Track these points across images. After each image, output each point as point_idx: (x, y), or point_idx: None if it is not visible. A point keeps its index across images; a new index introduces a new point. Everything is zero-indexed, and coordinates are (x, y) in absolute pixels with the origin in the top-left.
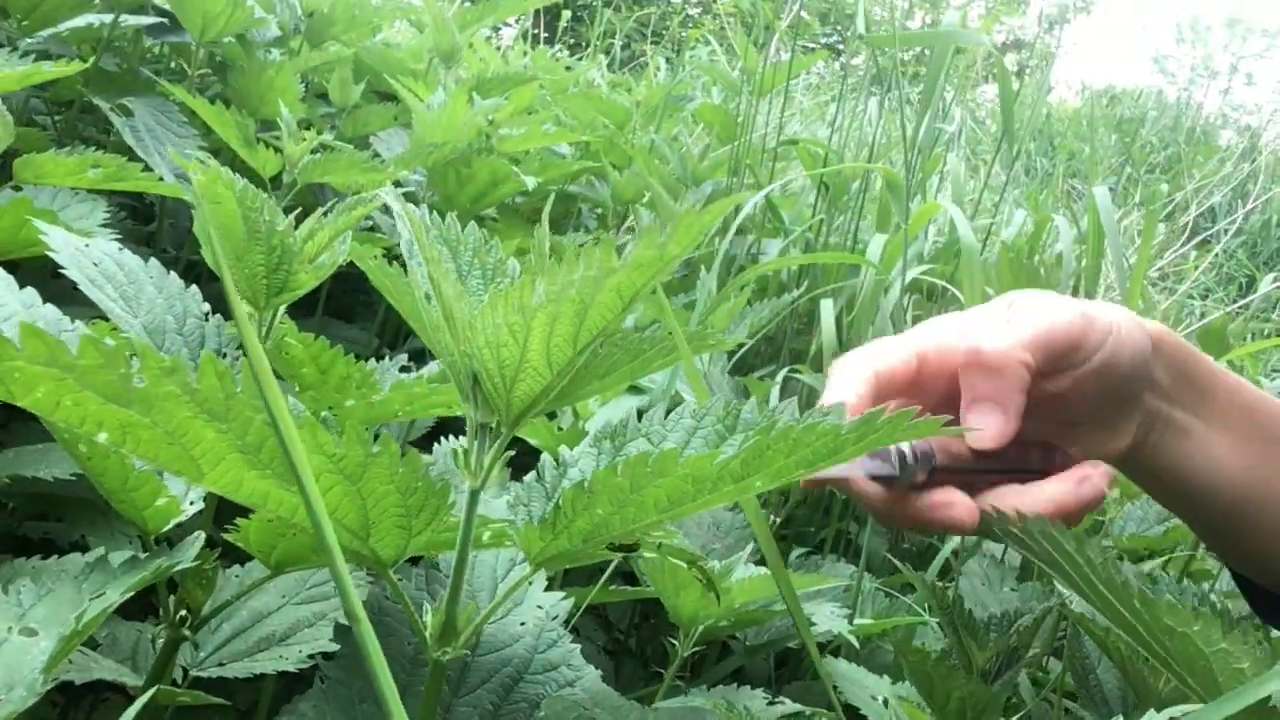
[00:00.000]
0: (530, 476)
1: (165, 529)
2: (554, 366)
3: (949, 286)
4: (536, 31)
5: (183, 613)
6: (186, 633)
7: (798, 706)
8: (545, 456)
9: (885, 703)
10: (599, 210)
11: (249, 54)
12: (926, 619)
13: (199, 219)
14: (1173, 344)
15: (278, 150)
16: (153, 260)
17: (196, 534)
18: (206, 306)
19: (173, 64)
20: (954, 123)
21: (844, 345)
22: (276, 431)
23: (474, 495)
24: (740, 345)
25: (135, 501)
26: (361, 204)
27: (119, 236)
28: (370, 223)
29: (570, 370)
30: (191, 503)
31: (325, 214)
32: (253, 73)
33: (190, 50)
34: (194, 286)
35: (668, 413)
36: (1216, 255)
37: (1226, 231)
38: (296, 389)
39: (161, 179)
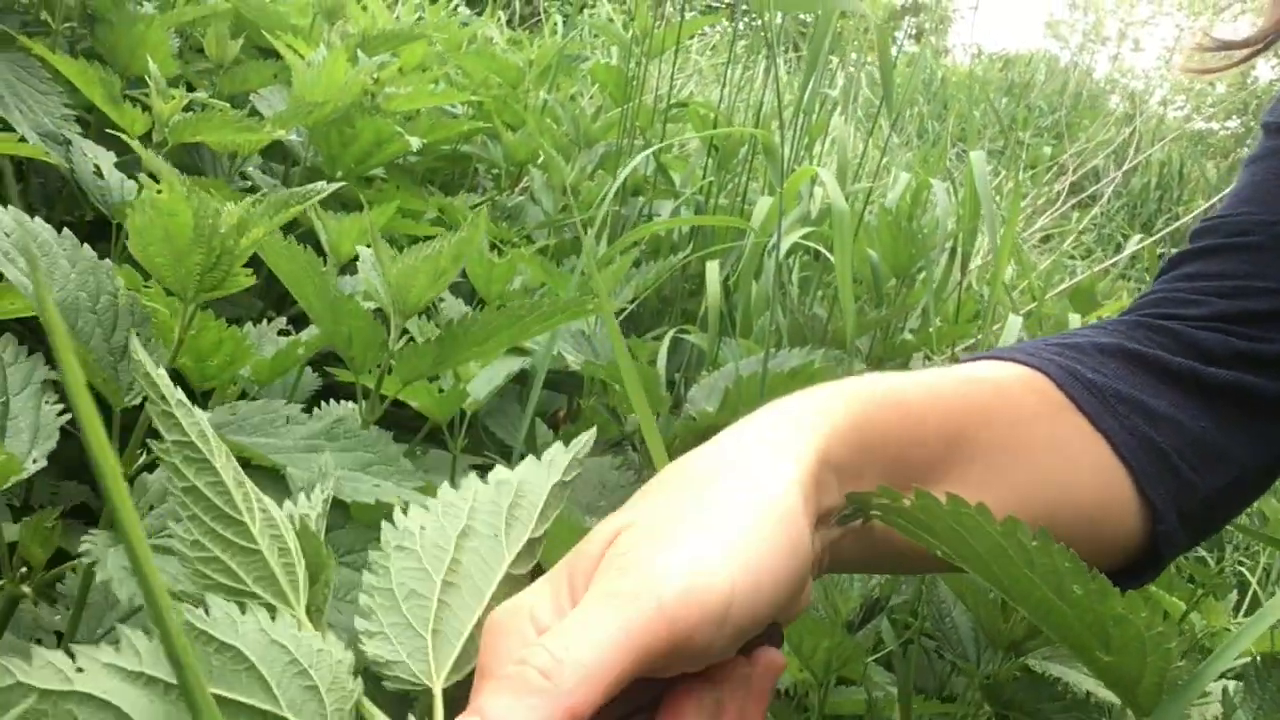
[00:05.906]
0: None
1: (5, 486)
2: None
3: (822, 251)
4: None
5: (23, 569)
6: (25, 589)
7: None
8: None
9: None
10: (495, 170)
11: (119, 6)
12: None
13: (134, 220)
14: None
15: (147, 108)
16: (66, 231)
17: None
18: (120, 282)
19: (41, 15)
20: (838, 86)
21: (731, 306)
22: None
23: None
24: (627, 305)
25: None
26: (296, 199)
27: None
28: (249, 183)
29: None
30: (35, 460)
31: (254, 205)
32: (122, 27)
33: (55, 2)
34: (108, 261)
35: None
36: (1097, 217)
37: (1104, 194)
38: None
39: (23, 139)
